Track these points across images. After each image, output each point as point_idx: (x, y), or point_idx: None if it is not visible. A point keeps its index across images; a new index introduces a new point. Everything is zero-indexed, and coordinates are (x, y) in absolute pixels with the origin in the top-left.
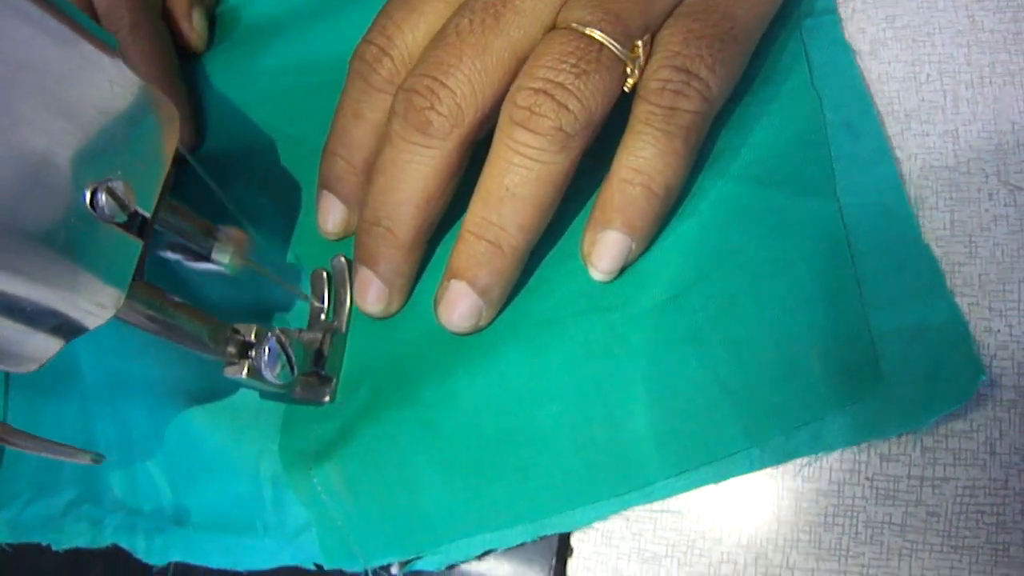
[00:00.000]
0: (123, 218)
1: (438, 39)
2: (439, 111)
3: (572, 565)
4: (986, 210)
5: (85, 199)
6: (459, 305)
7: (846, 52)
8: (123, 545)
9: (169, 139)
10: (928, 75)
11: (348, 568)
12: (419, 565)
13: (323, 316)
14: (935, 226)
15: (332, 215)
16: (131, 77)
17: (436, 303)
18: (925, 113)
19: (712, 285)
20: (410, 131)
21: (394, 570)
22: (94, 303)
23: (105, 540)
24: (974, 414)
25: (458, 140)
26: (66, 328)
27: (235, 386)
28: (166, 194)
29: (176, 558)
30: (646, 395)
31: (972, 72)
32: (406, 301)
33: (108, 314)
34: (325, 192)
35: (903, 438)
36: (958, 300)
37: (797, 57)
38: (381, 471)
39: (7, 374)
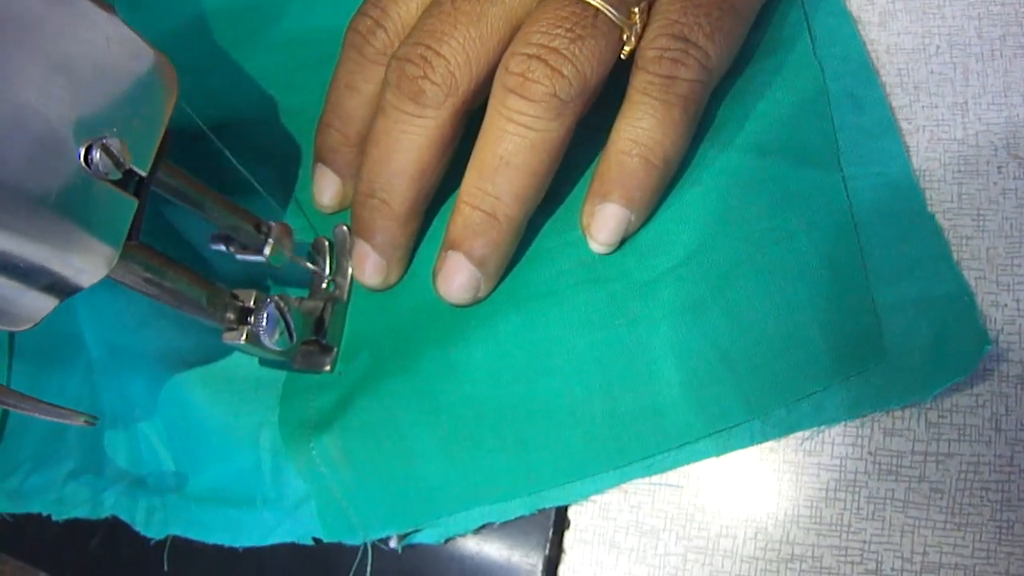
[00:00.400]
0: (117, 175)
1: (432, 8)
2: (432, 80)
3: (569, 537)
4: (995, 183)
5: (79, 155)
6: (457, 276)
7: (848, 22)
8: (122, 517)
9: (167, 98)
10: (938, 47)
11: (347, 541)
12: (417, 538)
13: (324, 285)
14: (943, 199)
15: (327, 188)
16: (128, 34)
17: (434, 275)
18: (934, 85)
19: (713, 255)
20: (403, 100)
21: (392, 543)
22: (87, 261)
23: (105, 511)
24: (980, 389)
25: (452, 109)
26: (59, 286)
27: (236, 358)
28: (164, 154)
29: (175, 532)
30: (646, 366)
31: (983, 45)
32: (404, 272)
33: (101, 273)
34: (320, 165)
35: (906, 412)
36: (965, 273)
37: (799, 27)
38: (380, 443)
39: (11, 344)
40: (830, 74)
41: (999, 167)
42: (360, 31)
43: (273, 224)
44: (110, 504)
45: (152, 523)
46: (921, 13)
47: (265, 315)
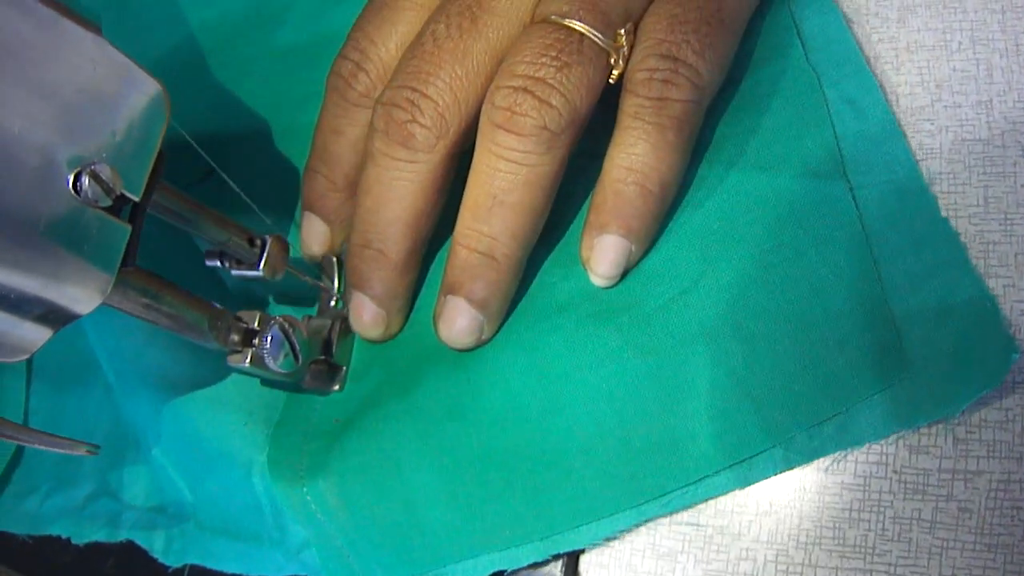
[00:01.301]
0: (108, 202)
1: (414, 47)
2: (422, 123)
3: (585, 560)
4: (1023, 185)
5: (68, 183)
6: (458, 321)
7: (837, 19)
8: (140, 543)
9: (158, 122)
10: (960, 43)
11: None
12: None
13: (332, 303)
14: (968, 202)
15: (316, 236)
16: (116, 56)
17: (435, 320)
18: (957, 83)
19: (720, 278)
20: (393, 147)
21: None
22: (81, 289)
23: (121, 535)
24: (1009, 403)
25: (444, 152)
26: (53, 316)
27: (248, 387)
28: (157, 178)
29: (193, 561)
30: (658, 399)
31: (1007, 39)
32: (405, 321)
33: (96, 301)
34: (308, 213)
35: (933, 428)
36: (992, 281)
37: (788, 32)
38: (379, 487)
39: (29, 366)
40: (826, 80)
41: None
42: (342, 75)
43: (268, 238)
44: (127, 529)
45: (171, 551)
46: (942, 8)
47: (270, 337)
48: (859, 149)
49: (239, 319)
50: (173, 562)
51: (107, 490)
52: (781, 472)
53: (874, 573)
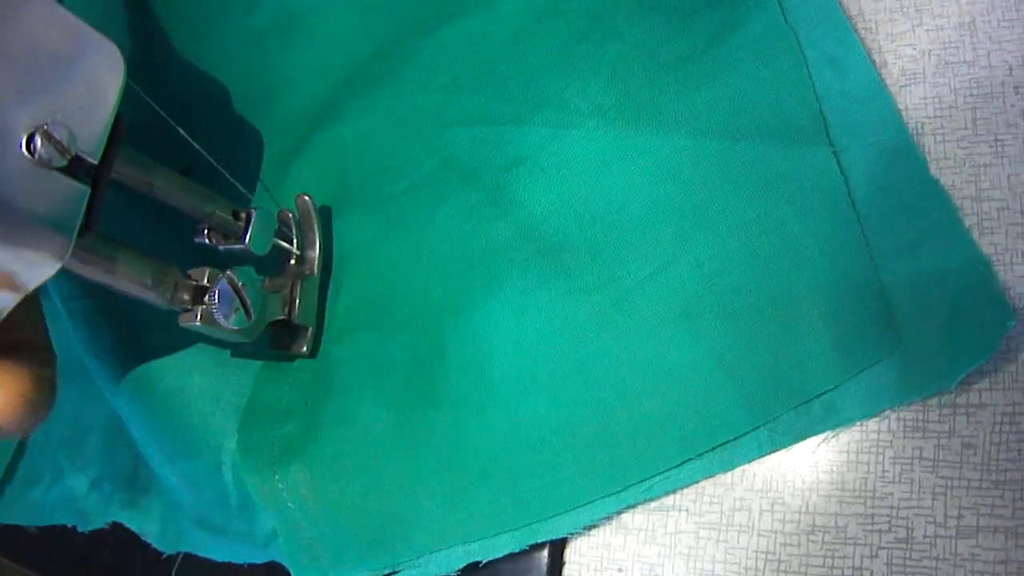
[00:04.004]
0: (63, 162)
1: None
2: None
3: None
4: (1012, 105)
5: (20, 145)
6: None
7: None
8: (134, 528)
9: (112, 82)
10: None
11: None
12: None
13: (292, 260)
14: (956, 126)
15: None
16: (68, 19)
17: None
18: (937, 5)
19: (699, 253)
20: None
21: None
22: (39, 253)
23: (115, 518)
24: (1012, 331)
25: None
26: (12, 282)
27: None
28: (117, 140)
29: (186, 548)
30: (637, 381)
31: None
32: None
33: (55, 265)
34: None
35: None
36: (985, 206)
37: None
38: (352, 475)
39: None
40: (804, 39)
41: (1016, 87)
42: None
43: (252, 211)
44: (125, 515)
45: (166, 538)
46: None
47: (218, 292)
48: (842, 110)
49: (188, 276)
50: (168, 548)
51: (108, 476)
52: (766, 454)
53: (876, 517)
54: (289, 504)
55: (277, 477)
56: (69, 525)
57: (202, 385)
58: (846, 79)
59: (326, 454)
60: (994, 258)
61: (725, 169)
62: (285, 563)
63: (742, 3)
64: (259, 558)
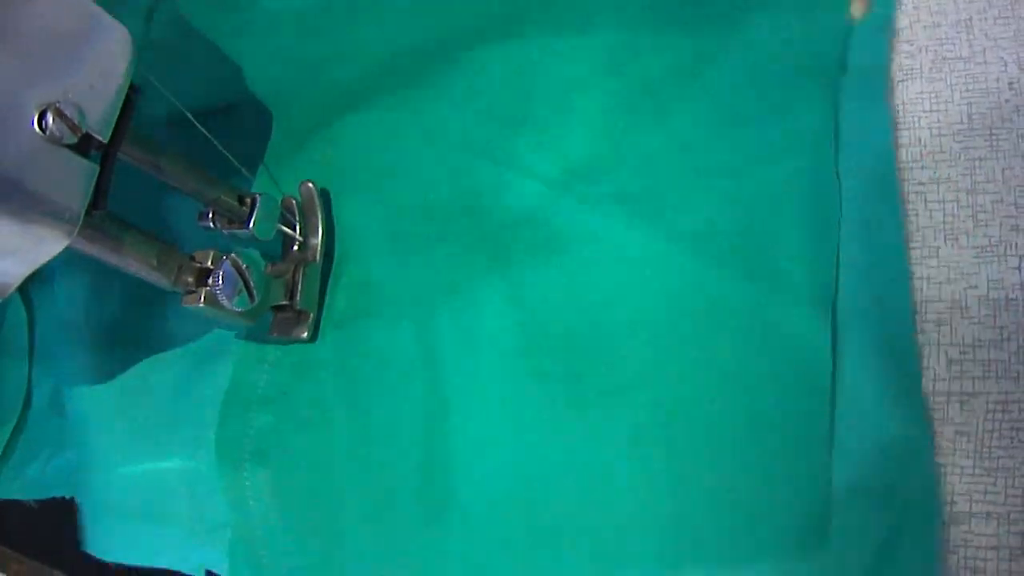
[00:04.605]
0: (73, 139)
1: None
2: None
3: None
4: (1006, 100)
5: (33, 122)
6: None
7: (885, 132)
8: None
9: (122, 62)
10: None
11: None
12: None
13: (295, 247)
14: (951, 120)
15: None
16: (78, 0)
17: None
18: (935, 3)
19: (666, 385)
20: None
21: None
22: (48, 229)
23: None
24: (1004, 320)
25: None
26: (22, 255)
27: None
28: (128, 119)
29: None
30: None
31: None
32: None
33: (63, 240)
34: None
35: (925, 348)
36: (980, 198)
37: (825, 125)
38: (312, 495)
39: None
40: (848, 194)
41: (1010, 83)
42: None
43: (258, 196)
44: None
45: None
46: None
47: (222, 273)
48: (852, 280)
49: (193, 258)
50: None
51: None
52: None
53: None
54: (251, 502)
55: (246, 475)
56: (68, 497)
57: (166, 384)
58: (872, 252)
59: (292, 465)
60: (988, 250)
61: (719, 307)
62: (224, 560)
63: (796, 127)
64: (196, 555)
